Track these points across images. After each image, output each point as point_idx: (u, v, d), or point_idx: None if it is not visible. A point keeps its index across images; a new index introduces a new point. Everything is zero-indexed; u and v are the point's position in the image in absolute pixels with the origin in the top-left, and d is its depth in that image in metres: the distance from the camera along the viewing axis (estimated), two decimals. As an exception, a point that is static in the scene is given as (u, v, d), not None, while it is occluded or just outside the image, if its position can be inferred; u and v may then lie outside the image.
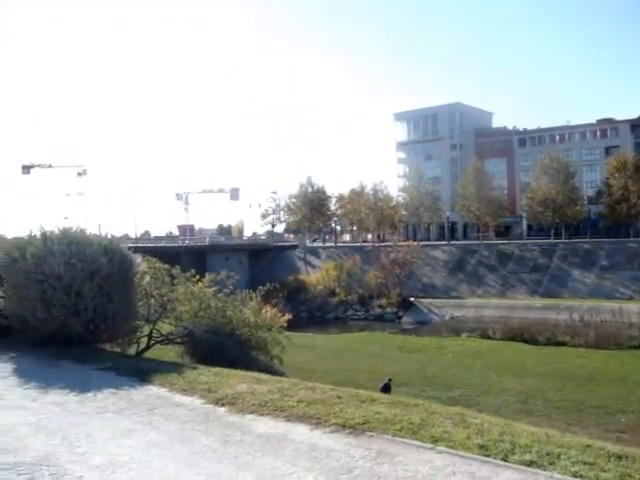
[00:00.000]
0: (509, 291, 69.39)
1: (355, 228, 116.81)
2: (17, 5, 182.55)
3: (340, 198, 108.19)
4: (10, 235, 18.91)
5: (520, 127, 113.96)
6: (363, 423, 7.25)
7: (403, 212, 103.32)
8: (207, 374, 10.42)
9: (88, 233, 14.49)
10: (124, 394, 9.33)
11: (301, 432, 7.17)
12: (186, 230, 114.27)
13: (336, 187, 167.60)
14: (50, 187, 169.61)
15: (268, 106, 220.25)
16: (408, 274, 73.11)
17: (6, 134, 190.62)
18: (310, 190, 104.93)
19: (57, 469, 6.23)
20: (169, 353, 16.62)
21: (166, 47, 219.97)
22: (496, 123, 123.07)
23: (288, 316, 19.85)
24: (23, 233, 15.64)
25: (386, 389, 18.32)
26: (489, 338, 42.93)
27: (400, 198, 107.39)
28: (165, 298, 17.11)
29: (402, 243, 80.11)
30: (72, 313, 12.86)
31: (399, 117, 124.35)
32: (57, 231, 14.02)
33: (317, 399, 8.39)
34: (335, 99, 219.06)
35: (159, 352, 16.63)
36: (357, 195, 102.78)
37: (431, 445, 6.51)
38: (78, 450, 6.80)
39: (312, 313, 69.35)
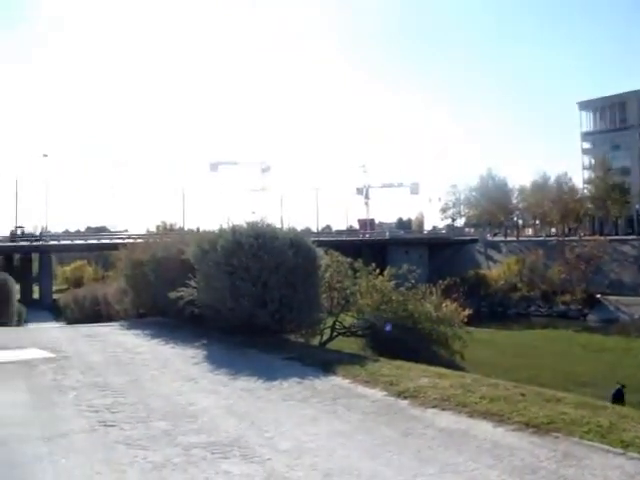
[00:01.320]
0: None
1: (537, 222, 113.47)
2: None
3: (522, 191, 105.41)
4: (201, 229, 19.90)
5: None
6: (548, 423, 7.02)
7: (589, 205, 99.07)
8: (389, 367, 10.48)
9: (274, 227, 14.93)
10: (308, 383, 9.59)
11: (484, 429, 7.07)
12: (366, 224, 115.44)
13: (517, 179, 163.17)
14: (236, 183, 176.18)
15: (444, 97, 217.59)
16: (594, 270, 70.14)
17: (195, 134, 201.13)
18: (491, 183, 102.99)
19: (247, 451, 6.52)
20: (351, 345, 16.91)
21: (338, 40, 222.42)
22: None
23: (468, 311, 19.60)
24: (213, 227, 16.48)
25: (619, 397, 17.09)
26: (684, 340, 40.56)
27: (585, 190, 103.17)
28: (348, 291, 17.41)
29: (588, 237, 77.23)
30: (259, 304, 13.34)
31: (584, 106, 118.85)
32: (245, 225, 14.59)
33: (500, 396, 8.24)
34: (514, 89, 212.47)
35: (341, 343, 16.97)
36: (539, 187, 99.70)
37: (621, 450, 6.19)
38: (266, 434, 7.08)
39: (493, 308, 68.21)
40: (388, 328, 15.94)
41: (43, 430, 7.33)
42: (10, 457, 6.43)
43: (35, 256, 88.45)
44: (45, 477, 5.95)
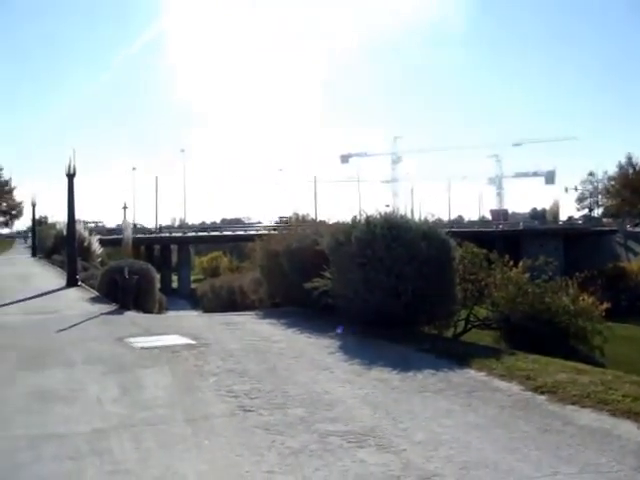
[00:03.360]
0: None
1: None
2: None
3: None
4: (333, 220, 20.03)
5: None
6: (699, 426, 6.72)
7: None
8: (525, 361, 10.25)
9: (407, 218, 14.86)
10: (443, 376, 9.52)
11: (627, 429, 6.81)
12: (499, 214, 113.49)
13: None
14: (368, 174, 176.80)
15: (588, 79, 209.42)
16: None
17: (327, 127, 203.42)
18: (631, 171, 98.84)
19: (382, 441, 6.57)
20: (485, 338, 16.63)
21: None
22: None
23: (606, 305, 18.83)
24: (344, 218, 16.60)
25: None
26: None
27: None
28: (482, 283, 17.15)
29: None
30: (392, 295, 13.29)
31: None
32: (379, 216, 14.61)
33: (644, 395, 7.94)
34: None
35: (475, 336, 16.73)
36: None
37: None
38: (401, 425, 7.10)
39: (633, 303, 65.28)
40: None
41: (186, 413, 7.67)
42: (158, 437, 6.77)
43: (174, 247, 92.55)
44: (190, 457, 6.21)
